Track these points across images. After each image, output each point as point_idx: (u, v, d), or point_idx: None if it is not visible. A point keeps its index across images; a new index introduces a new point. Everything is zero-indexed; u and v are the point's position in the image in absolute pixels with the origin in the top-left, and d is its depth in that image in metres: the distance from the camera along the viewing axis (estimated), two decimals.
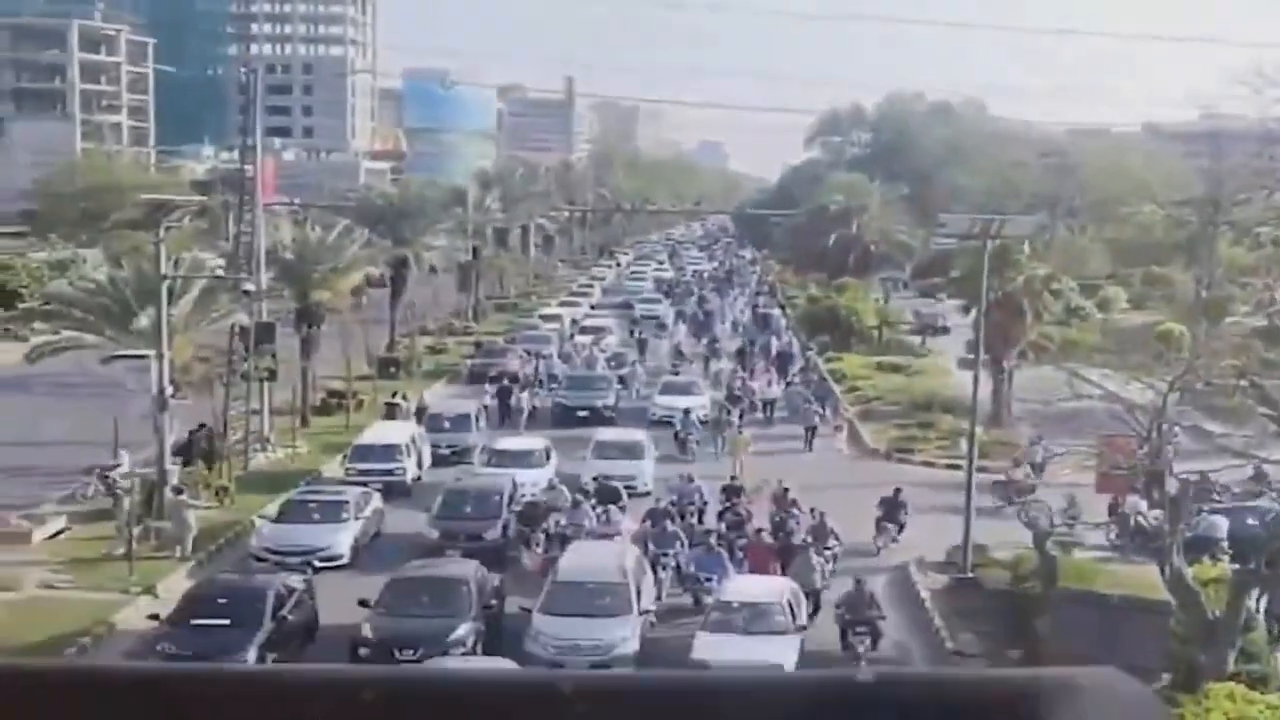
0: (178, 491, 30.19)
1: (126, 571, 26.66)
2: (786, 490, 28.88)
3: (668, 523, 27.15)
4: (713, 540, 26.04)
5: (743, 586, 23.36)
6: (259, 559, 27.03)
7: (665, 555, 25.99)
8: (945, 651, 23.09)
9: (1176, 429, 26.49)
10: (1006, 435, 39.59)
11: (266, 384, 38.35)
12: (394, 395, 43.01)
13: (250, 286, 35.29)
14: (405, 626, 21.73)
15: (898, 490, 29.96)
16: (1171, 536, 21.70)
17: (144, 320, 31.61)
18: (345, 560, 27.57)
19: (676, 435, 38.10)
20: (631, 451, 34.91)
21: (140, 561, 27.05)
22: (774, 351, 54.45)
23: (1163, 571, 21.63)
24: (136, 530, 27.86)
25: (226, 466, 34.17)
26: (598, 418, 40.78)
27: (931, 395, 45.13)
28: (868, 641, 22.85)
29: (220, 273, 36.55)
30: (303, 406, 41.56)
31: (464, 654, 21.14)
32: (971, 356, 33.59)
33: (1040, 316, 43.42)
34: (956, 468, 32.92)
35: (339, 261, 42.80)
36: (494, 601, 23.47)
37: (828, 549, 26.00)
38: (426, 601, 22.46)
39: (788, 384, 47.28)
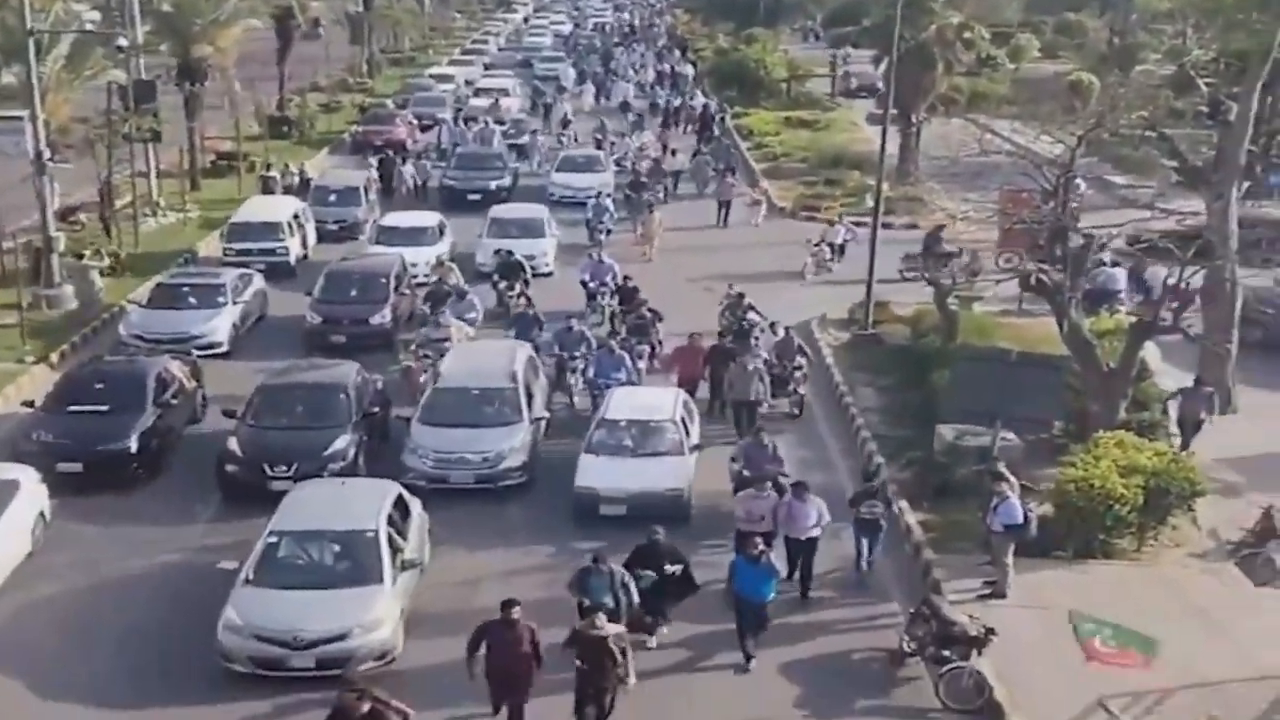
0: (79, 256, 29.49)
1: (19, 340, 25.84)
2: (741, 295, 25.84)
3: (574, 321, 24.57)
4: (614, 343, 23.36)
5: (629, 400, 20.89)
6: (127, 347, 24.98)
7: (574, 358, 23.70)
8: (843, 406, 23.29)
9: (1080, 182, 26.27)
10: (914, 191, 39.40)
11: (151, 146, 36.77)
12: (268, 167, 39.65)
13: (125, 41, 33.14)
14: (277, 440, 19.89)
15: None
16: (1071, 291, 21.82)
17: (8, 78, 29.87)
18: (224, 348, 25.77)
19: (587, 223, 34.07)
20: (530, 229, 32.33)
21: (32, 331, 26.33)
22: (690, 112, 51.38)
23: (1060, 325, 21.85)
24: (28, 297, 26.95)
25: (117, 231, 33.04)
26: (491, 201, 35.86)
27: (840, 151, 44.57)
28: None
29: (92, 26, 34.19)
30: (191, 169, 40.00)
31: (342, 468, 19.44)
32: (880, 111, 32.93)
33: (951, 67, 42.62)
34: (862, 224, 32.69)
35: (220, 13, 40.22)
36: (376, 409, 21.38)
37: (797, 368, 23.31)
38: (300, 412, 20.65)
39: (695, 153, 43.11)
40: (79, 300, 28.07)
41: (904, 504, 19.24)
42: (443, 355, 23.07)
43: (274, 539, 16.01)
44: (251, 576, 15.54)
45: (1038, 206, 24.64)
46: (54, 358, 25.28)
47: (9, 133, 29.86)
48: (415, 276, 28.98)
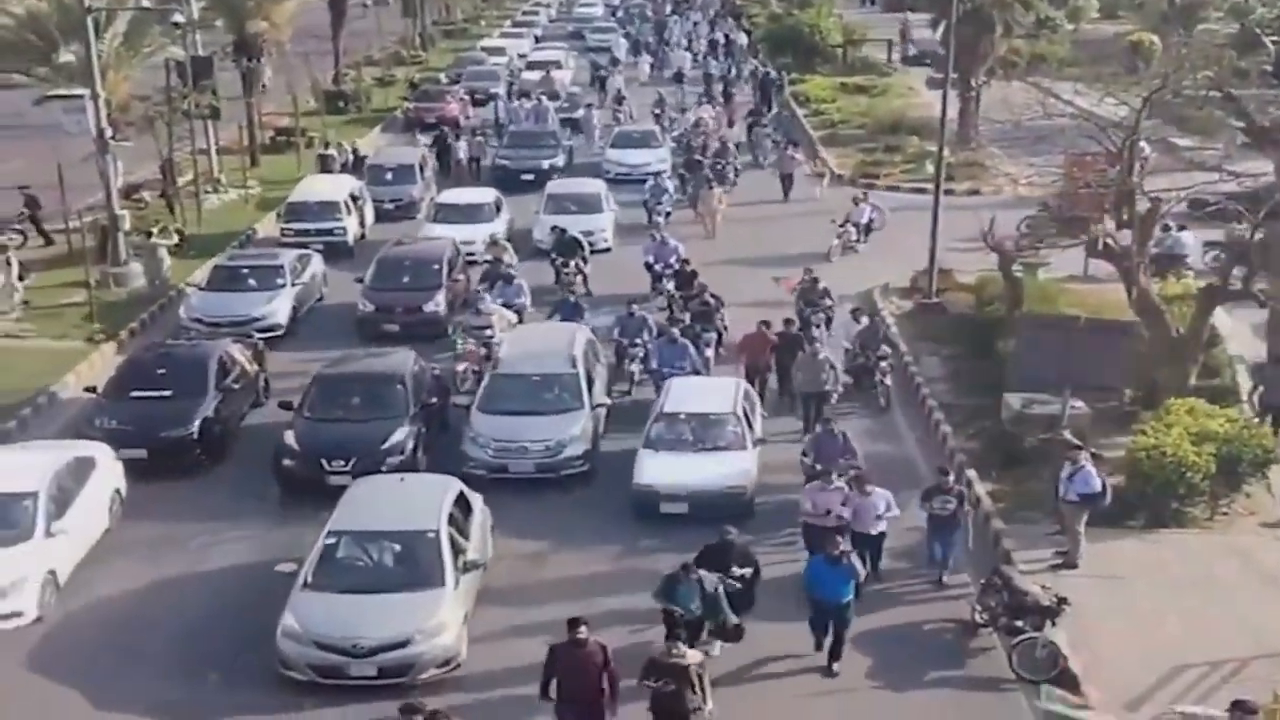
0: (146, 234, 29.90)
1: (88, 319, 26.20)
2: (816, 279, 24.69)
3: (635, 307, 23.74)
4: (676, 331, 22.35)
5: (688, 392, 20.06)
6: (188, 331, 24.91)
7: (634, 345, 22.84)
8: (910, 375, 23.14)
9: (1145, 145, 25.86)
10: (974, 156, 38.94)
11: (211, 123, 37.10)
12: (325, 145, 39.11)
13: (180, 17, 33.40)
14: (333, 433, 19.47)
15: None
16: (1139, 255, 21.54)
17: (68, 55, 30.20)
18: (283, 330, 25.56)
19: (645, 204, 32.79)
20: (588, 204, 31.69)
21: (102, 306, 26.74)
22: (751, 83, 50.07)
23: (1129, 291, 21.57)
24: (95, 276, 27.33)
25: (180, 209, 33.41)
26: (544, 181, 34.59)
27: (898, 117, 44.09)
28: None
29: (149, 3, 34.44)
30: (251, 145, 40.26)
31: (400, 462, 19.02)
32: (939, 76, 32.52)
33: (1010, 30, 41.98)
34: (922, 191, 32.36)
35: None
36: (434, 399, 20.98)
37: (881, 358, 22.19)
38: (357, 404, 20.19)
39: (751, 125, 41.50)
40: (147, 278, 28.41)
41: (972, 473, 19.13)
42: (486, 343, 22.73)
43: (332, 540, 15.59)
44: (310, 580, 15.17)
45: (1103, 170, 24.29)
46: (123, 335, 25.61)
47: (71, 111, 30.22)
48: (472, 255, 28.69)
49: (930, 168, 32.06)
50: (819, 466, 17.59)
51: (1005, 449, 19.68)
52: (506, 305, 24.60)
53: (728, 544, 15.21)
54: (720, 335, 23.50)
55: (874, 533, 16.42)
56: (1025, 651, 14.60)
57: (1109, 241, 22.31)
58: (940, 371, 23.29)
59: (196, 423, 20.17)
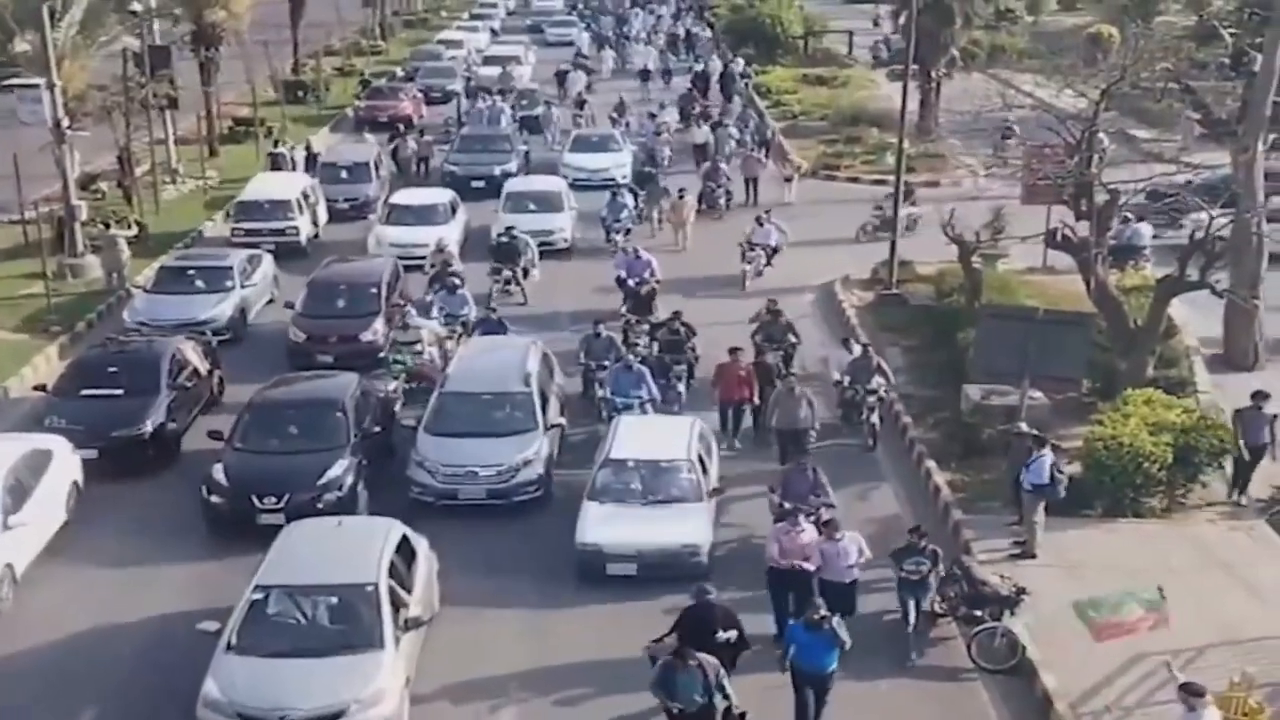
0: (105, 225, 29.50)
1: (45, 310, 25.90)
2: (778, 313, 22.57)
3: (602, 326, 22.09)
4: (632, 357, 20.80)
5: (638, 433, 18.21)
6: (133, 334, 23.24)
7: (603, 368, 21.25)
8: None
9: (1103, 137, 26.05)
10: (934, 148, 39.13)
11: (169, 113, 36.75)
12: (275, 144, 37.35)
13: (138, 7, 33.04)
14: (265, 466, 17.95)
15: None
16: (1097, 247, 21.71)
17: (23, 45, 29.85)
18: (231, 334, 24.53)
19: (602, 221, 30.33)
20: (548, 203, 30.87)
21: (59, 298, 26.44)
22: (713, 78, 49.19)
23: (1087, 282, 21.73)
24: (52, 268, 27.00)
25: (138, 199, 33.08)
26: (495, 188, 32.75)
27: (859, 108, 44.25)
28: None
29: None
30: (209, 135, 39.93)
31: (338, 498, 17.51)
32: (900, 67, 32.62)
33: (970, 21, 42.22)
34: (883, 183, 32.49)
35: None
36: (378, 428, 19.36)
37: (870, 392, 20.40)
38: (293, 433, 18.63)
39: (714, 124, 39.20)
40: (104, 270, 28.09)
41: (931, 464, 19.26)
42: (412, 361, 21.84)
43: (259, 595, 14.06)
44: (234, 642, 13.66)
45: (1062, 162, 24.47)
46: (66, 336, 25.06)
47: (27, 101, 29.97)
48: (420, 260, 27.13)
49: (891, 159, 32.18)
50: (786, 505, 16.29)
51: (964, 439, 19.80)
52: (451, 316, 23.57)
53: (708, 605, 13.86)
54: (691, 367, 21.86)
55: (845, 581, 15.21)
56: (984, 641, 14.71)
57: (1067, 233, 22.48)
58: (900, 362, 23.37)
59: (149, 422, 19.73)
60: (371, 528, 15.73)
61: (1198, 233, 20.72)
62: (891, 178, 28.79)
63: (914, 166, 34.19)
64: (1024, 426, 17.77)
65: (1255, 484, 18.68)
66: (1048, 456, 16.76)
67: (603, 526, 16.73)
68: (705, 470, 17.77)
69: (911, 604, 15.11)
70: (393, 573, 14.43)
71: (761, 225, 28.44)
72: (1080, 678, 14.34)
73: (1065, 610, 15.12)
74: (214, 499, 17.77)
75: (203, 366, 21.90)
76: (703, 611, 13.80)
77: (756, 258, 27.91)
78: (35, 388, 21.39)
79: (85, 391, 20.29)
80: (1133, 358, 20.67)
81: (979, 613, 14.83)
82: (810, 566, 15.13)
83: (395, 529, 15.42)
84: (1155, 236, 27.18)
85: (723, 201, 33.03)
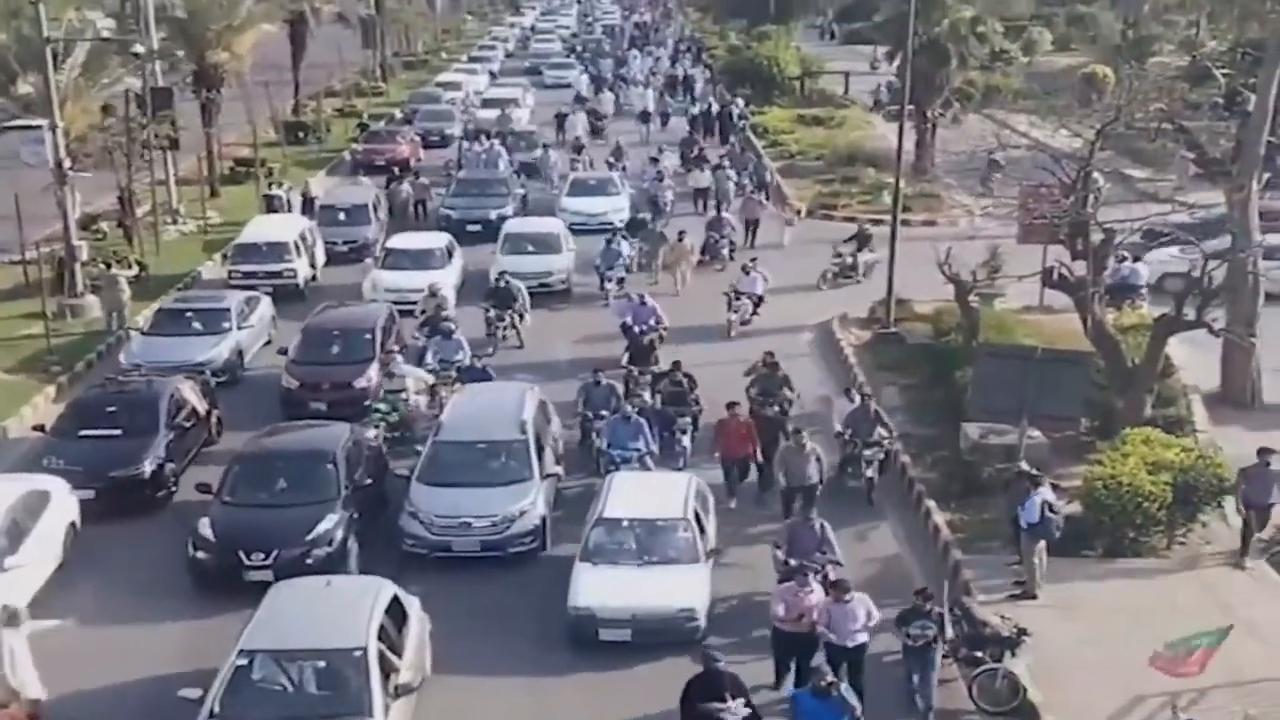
0: (107, 265, 29.53)
1: (45, 350, 25.93)
2: (775, 365, 21.69)
3: (601, 375, 21.67)
4: (630, 407, 20.23)
5: (632, 490, 17.65)
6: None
7: (601, 418, 20.67)
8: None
9: (1098, 176, 26.22)
10: (931, 188, 39.33)
11: (170, 153, 36.94)
12: (270, 185, 37.43)
13: (140, 49, 33.27)
14: (253, 521, 17.49)
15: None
16: (1093, 286, 21.80)
17: (26, 86, 30.06)
18: (228, 377, 24.38)
19: (596, 268, 29.88)
20: (547, 244, 30.70)
21: (59, 339, 26.49)
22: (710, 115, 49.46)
23: (1084, 321, 21.80)
24: (52, 308, 27.06)
25: (138, 240, 33.22)
26: (492, 232, 32.55)
27: (854, 148, 44.49)
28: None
29: (107, 34, 34.31)
30: (210, 175, 40.14)
31: (328, 554, 17.09)
32: (895, 107, 32.84)
33: (966, 62, 42.54)
34: (879, 222, 32.64)
35: (234, 18, 40.29)
36: (369, 480, 18.89)
37: (870, 445, 19.84)
38: (282, 487, 18.21)
39: (715, 167, 38.62)
40: (104, 310, 28.13)
41: (931, 504, 19.25)
42: (395, 410, 21.51)
43: (244, 661, 13.43)
44: (217, 710, 13.00)
45: (1057, 201, 24.61)
46: (63, 378, 25.03)
47: (29, 142, 30.13)
48: (410, 305, 26.72)
49: (887, 199, 32.35)
50: (792, 562, 15.81)
51: (963, 478, 19.80)
52: (444, 362, 23.23)
53: (716, 674, 13.30)
54: (695, 419, 21.19)
55: (851, 645, 14.50)
56: (985, 682, 14.65)
57: (1064, 272, 22.58)
58: (898, 401, 23.40)
59: (147, 463, 19.69)
60: (361, 588, 15.11)
61: (1194, 271, 20.80)
62: (887, 217, 28.90)
63: (910, 206, 34.34)
64: (1024, 465, 17.78)
65: None
66: (1040, 495, 16.75)
67: (595, 589, 16.07)
68: (702, 529, 17.14)
69: (917, 678, 14.36)
70: (383, 636, 13.84)
71: (748, 274, 28.06)
72: (1082, 719, 14.27)
73: (1066, 651, 15.13)
74: (200, 555, 17.27)
75: (201, 406, 21.86)
76: (710, 680, 13.28)
77: (742, 306, 27.54)
78: (34, 428, 21.38)
79: (84, 432, 20.24)
80: (1130, 396, 20.71)
81: (980, 654, 14.77)
82: (821, 627, 14.54)
83: (386, 589, 14.80)
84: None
85: (726, 251, 32.28)
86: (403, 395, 21.88)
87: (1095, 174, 24.88)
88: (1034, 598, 16.73)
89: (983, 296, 25.64)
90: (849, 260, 30.69)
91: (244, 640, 13.70)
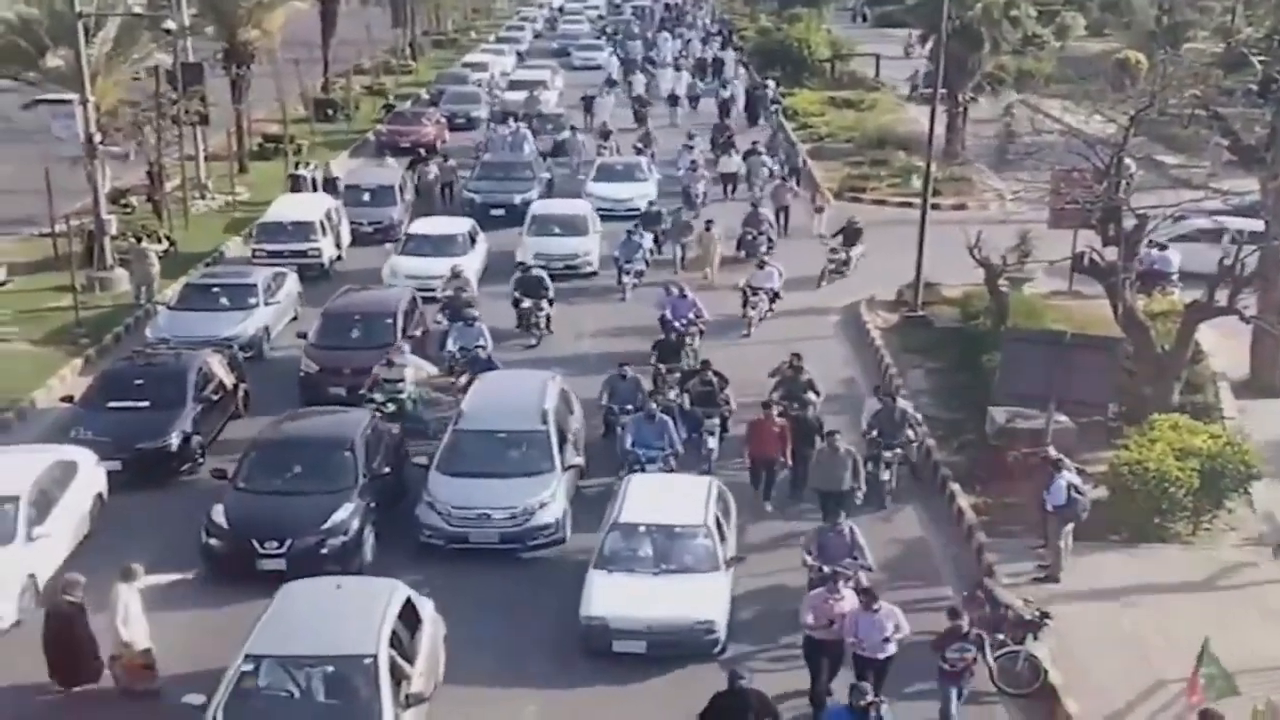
0: (138, 239, 29.62)
1: (74, 323, 26.13)
2: (799, 368, 21.07)
3: (628, 368, 20.98)
4: (654, 405, 19.58)
5: (650, 494, 17.00)
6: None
7: (626, 412, 20.18)
8: (894, 387, 23.13)
9: (1130, 162, 26.00)
10: (962, 171, 39.11)
11: (199, 129, 37.06)
12: (296, 165, 36.94)
13: (171, 25, 33.34)
14: (267, 508, 17.16)
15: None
16: (1125, 271, 21.64)
17: (56, 60, 30.20)
18: (254, 352, 24.29)
19: (615, 260, 28.73)
20: (573, 226, 30.29)
21: (87, 311, 26.63)
22: (739, 103, 48.70)
23: (1114, 307, 21.66)
24: (80, 280, 27.24)
25: (167, 214, 33.37)
26: (516, 217, 32.08)
27: (885, 131, 44.26)
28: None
29: (139, 9, 34.39)
30: (239, 151, 40.27)
31: (343, 544, 16.75)
32: (929, 90, 32.62)
33: (998, 46, 42.21)
34: (909, 205, 32.47)
35: None
36: (387, 469, 18.50)
37: (891, 446, 19.21)
38: (298, 474, 17.83)
39: (748, 153, 38.00)
40: (133, 284, 28.32)
41: (955, 487, 19.19)
42: (394, 399, 20.93)
43: (249, 666, 12.92)
44: (220, 718, 12.55)
45: (1090, 186, 24.42)
46: (108, 340, 25.49)
47: (61, 116, 30.20)
48: (431, 291, 26.14)
49: (917, 182, 32.15)
50: (824, 569, 15.34)
51: (989, 462, 19.72)
52: (464, 350, 22.60)
53: (741, 693, 12.78)
54: (725, 420, 20.54)
55: (880, 657, 14.02)
56: (1006, 664, 14.62)
57: (1095, 257, 22.42)
58: (925, 385, 23.34)
59: (175, 435, 19.82)
60: (373, 591, 14.41)
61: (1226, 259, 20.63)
62: (918, 200, 28.74)
63: (940, 190, 34.13)
64: (1051, 450, 17.69)
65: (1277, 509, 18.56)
66: (1065, 477, 16.68)
67: (610, 598, 15.41)
68: (723, 536, 16.41)
69: (955, 702, 13.94)
70: (394, 642, 13.26)
71: (762, 268, 27.27)
72: (1102, 703, 14.24)
73: (1088, 634, 15.07)
74: (213, 542, 16.94)
75: (229, 380, 21.95)
76: (735, 700, 12.73)
77: (759, 302, 26.65)
78: (62, 399, 21.49)
79: (112, 404, 20.36)
80: (1159, 383, 20.57)
81: (1002, 636, 14.74)
82: (850, 637, 14.09)
83: (399, 592, 14.20)
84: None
85: (764, 249, 30.08)
86: (399, 386, 21.26)
87: (1128, 160, 24.67)
88: (1057, 581, 16.68)
89: (1012, 281, 25.49)
90: (843, 256, 29.76)
91: (250, 644, 13.16)
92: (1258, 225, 23.85)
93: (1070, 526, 16.82)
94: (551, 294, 26.20)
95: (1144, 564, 17.19)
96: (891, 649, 14.08)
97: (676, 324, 23.92)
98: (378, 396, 21.14)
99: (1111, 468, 18.14)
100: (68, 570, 15.92)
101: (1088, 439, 19.82)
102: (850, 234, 30.33)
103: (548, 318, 25.97)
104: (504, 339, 24.86)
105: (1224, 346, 23.83)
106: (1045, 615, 14.80)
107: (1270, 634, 15.58)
